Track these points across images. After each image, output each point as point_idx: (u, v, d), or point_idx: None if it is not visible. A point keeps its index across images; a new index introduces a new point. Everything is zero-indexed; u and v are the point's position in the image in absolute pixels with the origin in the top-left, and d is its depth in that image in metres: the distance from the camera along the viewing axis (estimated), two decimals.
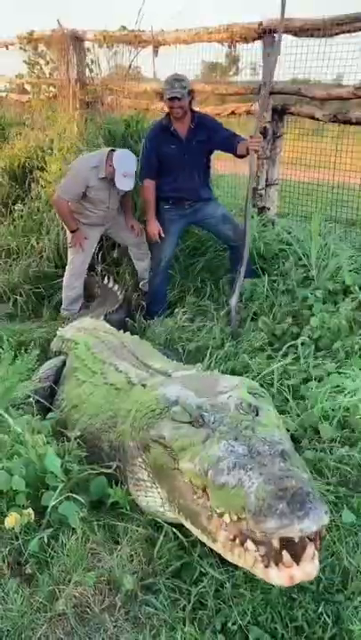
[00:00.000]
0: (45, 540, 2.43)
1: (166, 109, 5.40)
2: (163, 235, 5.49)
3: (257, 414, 2.48)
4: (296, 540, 1.86)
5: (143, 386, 3.10)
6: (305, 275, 5.47)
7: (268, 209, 6.73)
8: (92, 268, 6.26)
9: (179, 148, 5.33)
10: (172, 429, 2.49)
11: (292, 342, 4.43)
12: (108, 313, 5.32)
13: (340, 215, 7.58)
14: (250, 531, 1.93)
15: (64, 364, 4.27)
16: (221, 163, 7.31)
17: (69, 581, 2.32)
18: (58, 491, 2.50)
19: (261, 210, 6.62)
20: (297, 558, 1.94)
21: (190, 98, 5.27)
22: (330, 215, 7.59)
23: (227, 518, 2.03)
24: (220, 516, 2.06)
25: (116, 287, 5.91)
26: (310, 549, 1.97)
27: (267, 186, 6.65)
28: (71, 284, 5.79)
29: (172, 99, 5.13)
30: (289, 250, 5.99)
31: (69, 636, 2.21)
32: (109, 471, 2.85)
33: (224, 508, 2.03)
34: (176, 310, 5.31)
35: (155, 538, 2.52)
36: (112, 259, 6.34)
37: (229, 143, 5.23)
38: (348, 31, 5.55)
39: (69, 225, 5.60)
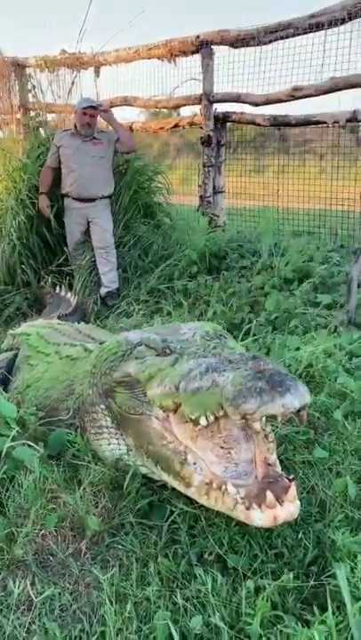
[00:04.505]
0: (0, 482, 2.23)
1: None
2: None
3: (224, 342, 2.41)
4: (279, 419, 1.78)
5: (101, 344, 2.98)
6: (259, 268, 5.53)
7: (218, 216, 6.80)
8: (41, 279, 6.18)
9: None
10: (137, 364, 2.37)
11: (249, 325, 4.39)
12: (61, 315, 5.17)
13: (287, 229, 7.78)
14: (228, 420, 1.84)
15: (16, 357, 4.08)
16: None
17: (27, 526, 2.12)
18: (11, 436, 2.31)
19: (211, 219, 6.67)
20: (279, 500, 1.90)
21: None
22: (278, 229, 7.80)
23: (203, 421, 1.91)
24: (196, 422, 1.94)
25: (69, 295, 5.78)
26: (293, 490, 1.94)
27: (214, 193, 6.75)
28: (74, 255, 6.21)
29: None
30: (240, 250, 6.09)
31: (30, 582, 1.99)
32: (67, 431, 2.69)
33: (199, 412, 1.92)
34: (132, 308, 5.23)
35: (120, 479, 2.35)
36: (63, 269, 6.24)
37: None
38: (281, 38, 5.81)
39: (40, 186, 6.04)
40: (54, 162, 5.99)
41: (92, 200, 5.93)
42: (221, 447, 2.19)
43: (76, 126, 5.88)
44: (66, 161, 5.90)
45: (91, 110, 5.76)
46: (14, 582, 1.93)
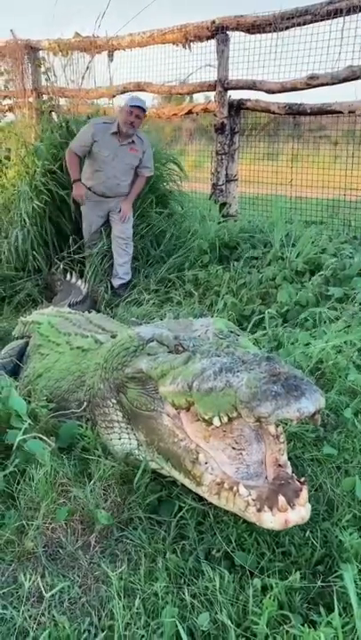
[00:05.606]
0: (12, 475, 2.26)
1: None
2: None
3: (236, 340, 2.40)
4: (294, 423, 1.78)
5: (113, 336, 2.99)
6: (270, 259, 5.50)
7: (230, 205, 6.76)
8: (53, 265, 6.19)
9: None
10: (149, 361, 2.37)
11: (260, 315, 4.38)
12: (72, 303, 5.19)
13: (299, 219, 7.71)
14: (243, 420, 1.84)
15: (27, 345, 4.10)
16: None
17: (38, 519, 2.15)
18: (22, 429, 2.33)
19: (223, 205, 6.64)
20: (290, 503, 1.90)
21: None
22: (290, 218, 7.73)
23: (216, 421, 1.91)
24: (209, 422, 1.94)
25: (80, 282, 5.79)
26: (304, 493, 1.95)
27: (227, 181, 6.70)
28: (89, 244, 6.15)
29: None
30: (252, 240, 6.05)
31: (40, 574, 2.03)
32: (78, 423, 2.70)
33: (212, 412, 1.91)
34: (142, 297, 5.23)
35: (130, 474, 2.37)
36: (75, 257, 6.23)
37: None
38: (298, 24, 5.72)
39: (72, 174, 5.78)
40: (84, 153, 5.78)
41: (114, 197, 5.90)
42: (233, 448, 2.20)
43: (118, 125, 5.64)
44: (99, 160, 5.74)
45: (138, 110, 5.52)
46: (25, 574, 1.96)
